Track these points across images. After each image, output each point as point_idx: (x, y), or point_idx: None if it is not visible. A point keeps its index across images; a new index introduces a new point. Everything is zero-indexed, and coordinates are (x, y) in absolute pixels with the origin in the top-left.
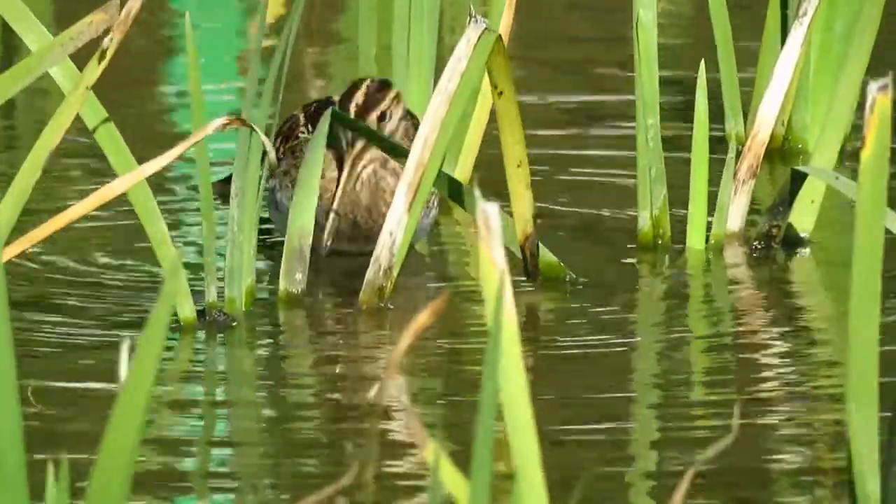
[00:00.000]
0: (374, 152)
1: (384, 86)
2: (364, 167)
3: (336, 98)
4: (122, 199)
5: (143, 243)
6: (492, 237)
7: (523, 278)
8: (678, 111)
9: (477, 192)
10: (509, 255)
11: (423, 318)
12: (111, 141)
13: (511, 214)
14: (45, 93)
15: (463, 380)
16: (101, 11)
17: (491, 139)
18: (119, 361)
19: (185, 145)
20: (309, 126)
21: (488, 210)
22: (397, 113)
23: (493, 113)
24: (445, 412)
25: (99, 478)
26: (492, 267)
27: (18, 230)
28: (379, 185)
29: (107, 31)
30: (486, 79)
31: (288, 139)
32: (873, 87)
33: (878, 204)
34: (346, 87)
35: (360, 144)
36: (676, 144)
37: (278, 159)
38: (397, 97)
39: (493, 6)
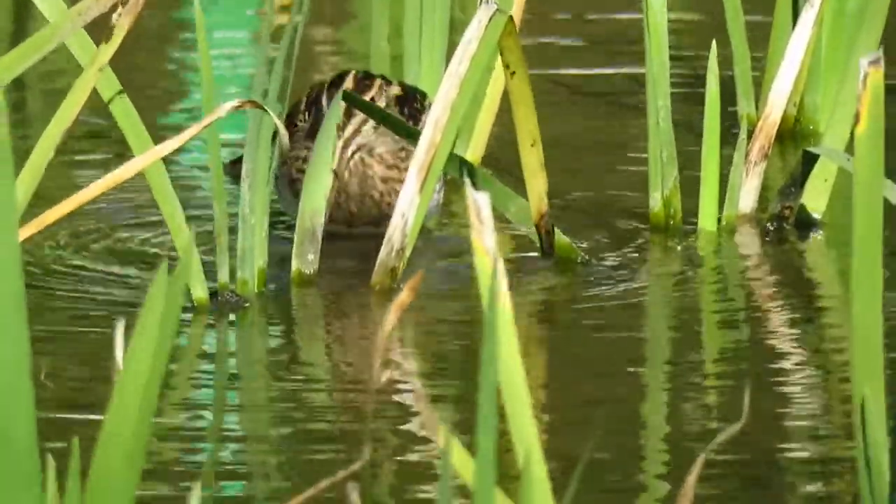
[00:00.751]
0: (362, 139)
1: (368, 76)
2: (352, 154)
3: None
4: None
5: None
6: (483, 227)
7: (533, 257)
8: (689, 92)
9: (467, 182)
10: (520, 234)
11: (402, 296)
12: (128, 119)
13: (524, 195)
14: (61, 72)
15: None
16: None
17: (505, 119)
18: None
19: (197, 127)
20: (307, 113)
21: (479, 199)
22: (381, 101)
23: (505, 93)
24: (455, 394)
25: (101, 466)
26: (485, 256)
27: (33, 210)
28: (366, 174)
29: (115, 7)
30: (500, 61)
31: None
32: (864, 61)
33: (875, 178)
34: (330, 78)
35: (349, 130)
36: (687, 125)
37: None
38: (381, 87)
39: None
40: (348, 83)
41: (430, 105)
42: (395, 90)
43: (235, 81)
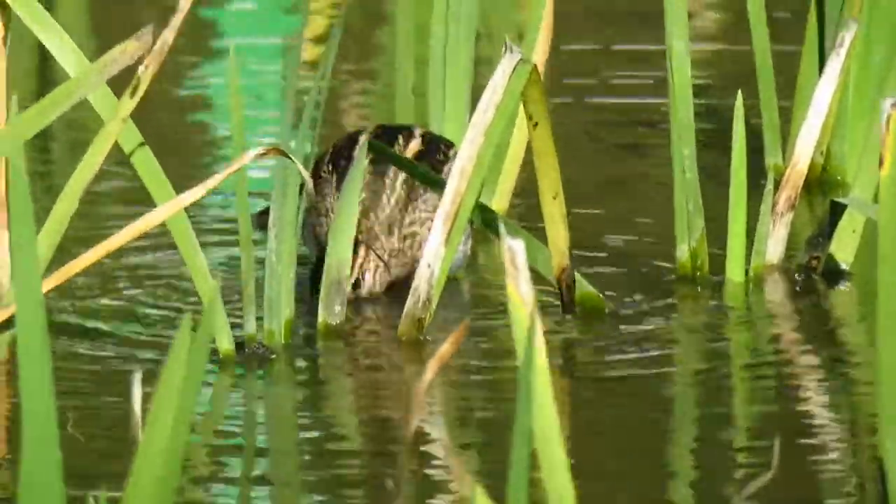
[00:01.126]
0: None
1: (391, 130)
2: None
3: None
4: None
5: (173, 271)
6: (519, 274)
7: (559, 306)
8: (715, 141)
9: (503, 228)
10: (546, 284)
11: (445, 349)
12: (149, 170)
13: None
14: (83, 125)
15: (501, 411)
16: (134, 39)
17: (530, 167)
18: (133, 393)
19: (223, 175)
20: (331, 165)
21: (514, 246)
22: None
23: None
24: (483, 443)
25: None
26: (520, 304)
27: (57, 260)
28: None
29: (141, 59)
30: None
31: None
32: (887, 102)
33: None
34: (353, 132)
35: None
36: (714, 174)
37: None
38: (400, 145)
39: (527, 35)
40: (367, 138)
41: (454, 155)
42: (415, 145)
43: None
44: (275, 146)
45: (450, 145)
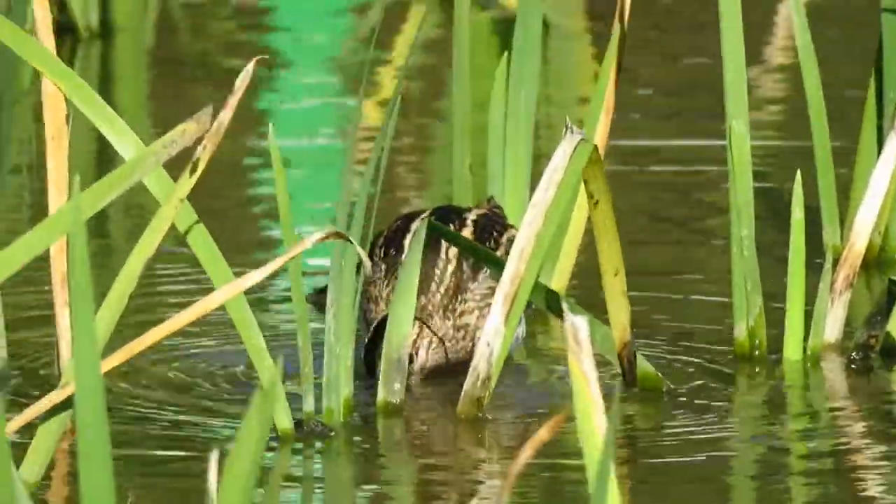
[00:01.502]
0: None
1: (444, 213)
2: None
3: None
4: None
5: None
6: (581, 350)
7: (618, 385)
8: (773, 218)
9: (565, 305)
10: (605, 363)
11: (542, 433)
12: (207, 252)
13: (608, 323)
14: (140, 206)
15: (557, 496)
16: (193, 121)
17: (589, 248)
18: (209, 474)
19: (282, 259)
20: (384, 248)
21: (577, 323)
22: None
23: (588, 221)
24: None
25: None
26: (583, 381)
27: (115, 341)
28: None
29: (199, 140)
30: (582, 188)
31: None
32: None
33: None
34: (398, 221)
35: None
36: (772, 252)
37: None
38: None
39: (588, 115)
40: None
41: (508, 240)
42: (466, 234)
43: (315, 197)
44: (335, 231)
45: (503, 230)
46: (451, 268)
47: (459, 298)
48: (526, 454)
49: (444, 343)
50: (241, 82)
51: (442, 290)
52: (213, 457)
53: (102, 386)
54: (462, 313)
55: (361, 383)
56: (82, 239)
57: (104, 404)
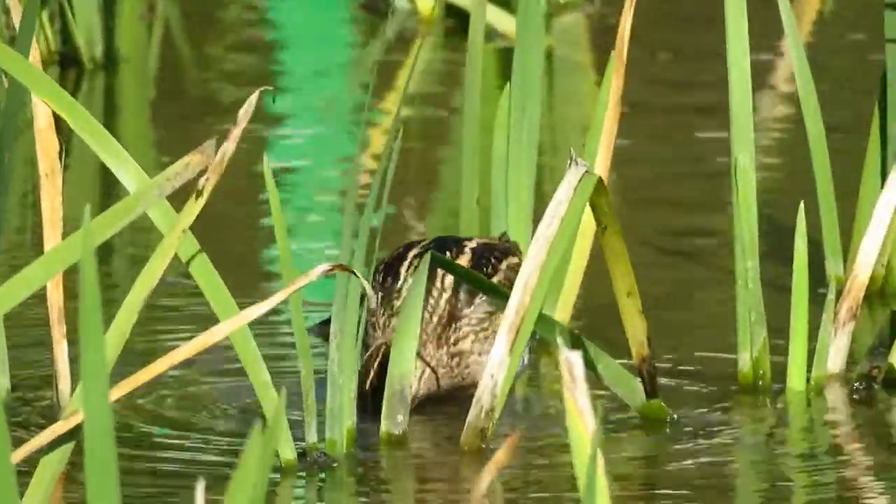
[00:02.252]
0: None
1: (443, 243)
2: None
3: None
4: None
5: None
6: (576, 385)
7: (621, 416)
8: (777, 250)
9: (560, 340)
10: (608, 394)
11: (500, 455)
12: (210, 283)
13: (611, 354)
14: (145, 230)
15: None
16: (197, 153)
17: (593, 276)
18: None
19: (287, 292)
20: (380, 277)
21: (571, 358)
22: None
23: (592, 254)
24: None
25: None
26: (578, 416)
27: (117, 372)
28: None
29: (203, 172)
30: (586, 219)
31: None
32: None
33: None
34: (397, 251)
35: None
36: (775, 283)
37: None
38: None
39: (588, 145)
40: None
41: (508, 266)
42: (464, 261)
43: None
44: (340, 264)
45: (504, 256)
46: (445, 296)
47: (454, 326)
48: (486, 479)
49: (436, 372)
50: (245, 113)
51: (436, 319)
52: (200, 487)
53: (111, 416)
54: (456, 341)
55: (365, 415)
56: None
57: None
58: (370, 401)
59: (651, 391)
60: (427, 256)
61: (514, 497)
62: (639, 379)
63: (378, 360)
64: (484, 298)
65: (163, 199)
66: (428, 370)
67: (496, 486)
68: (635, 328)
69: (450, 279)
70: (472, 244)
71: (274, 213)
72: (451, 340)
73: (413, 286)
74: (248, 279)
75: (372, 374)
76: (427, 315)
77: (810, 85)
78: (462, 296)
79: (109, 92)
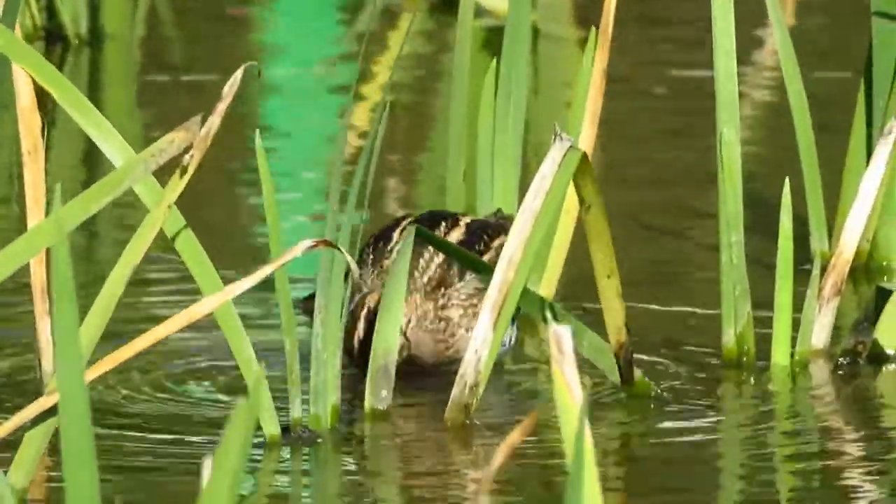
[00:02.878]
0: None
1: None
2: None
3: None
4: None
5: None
6: (564, 358)
7: (607, 391)
8: (761, 226)
9: (549, 314)
10: (593, 370)
11: (514, 436)
12: (196, 259)
13: (595, 330)
14: (131, 206)
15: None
16: (182, 129)
17: (577, 252)
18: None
19: (271, 267)
20: (371, 247)
21: (559, 332)
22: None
23: (576, 229)
24: None
25: None
26: (566, 389)
27: (102, 348)
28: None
29: (188, 148)
30: (570, 195)
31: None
32: None
33: None
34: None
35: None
36: (760, 259)
37: None
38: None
39: (571, 122)
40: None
41: (500, 245)
42: (458, 234)
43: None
44: (324, 240)
45: (497, 234)
46: (437, 259)
47: (443, 291)
48: (499, 459)
49: (426, 321)
50: (230, 89)
51: (426, 278)
52: (207, 463)
53: (86, 393)
54: (444, 307)
55: (349, 390)
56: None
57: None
58: (357, 355)
59: (627, 378)
60: (412, 229)
61: (503, 474)
62: (614, 366)
63: (363, 311)
64: (474, 276)
65: (148, 175)
66: (415, 318)
67: (482, 462)
68: (614, 313)
69: (438, 258)
70: (467, 219)
71: (265, 189)
72: (439, 304)
73: (396, 263)
74: (232, 255)
75: (360, 325)
76: (417, 274)
77: (793, 60)
78: (455, 268)
79: (94, 68)
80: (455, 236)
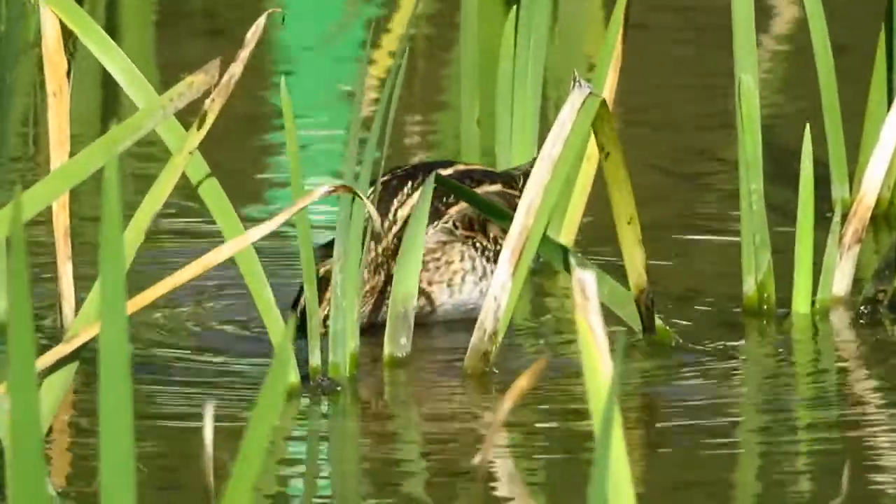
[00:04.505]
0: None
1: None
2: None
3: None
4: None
5: (233, 298)
6: (589, 304)
7: (627, 339)
8: (784, 174)
9: (573, 260)
10: (613, 316)
11: (522, 381)
12: (218, 203)
13: (615, 278)
14: (152, 156)
15: (565, 445)
16: (201, 72)
17: (597, 200)
18: (204, 426)
19: (290, 212)
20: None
21: (584, 277)
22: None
23: (596, 177)
24: (549, 476)
25: None
26: (590, 335)
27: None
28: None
29: (207, 93)
30: (590, 142)
31: None
32: None
33: None
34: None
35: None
36: (780, 207)
37: None
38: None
39: (597, 69)
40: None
41: (494, 179)
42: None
43: (326, 161)
44: (343, 184)
45: (479, 182)
46: (395, 229)
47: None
48: (507, 404)
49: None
50: (253, 35)
51: (380, 249)
52: (209, 410)
53: (127, 329)
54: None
55: (369, 337)
56: (115, 172)
57: (128, 341)
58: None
59: (648, 325)
60: (431, 178)
61: (523, 419)
62: (632, 315)
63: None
64: (437, 228)
65: (170, 118)
66: (371, 299)
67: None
68: (634, 258)
69: (402, 212)
70: (449, 171)
71: (288, 133)
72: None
73: (417, 208)
74: (250, 200)
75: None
76: (373, 244)
77: (818, 7)
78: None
79: (111, 12)
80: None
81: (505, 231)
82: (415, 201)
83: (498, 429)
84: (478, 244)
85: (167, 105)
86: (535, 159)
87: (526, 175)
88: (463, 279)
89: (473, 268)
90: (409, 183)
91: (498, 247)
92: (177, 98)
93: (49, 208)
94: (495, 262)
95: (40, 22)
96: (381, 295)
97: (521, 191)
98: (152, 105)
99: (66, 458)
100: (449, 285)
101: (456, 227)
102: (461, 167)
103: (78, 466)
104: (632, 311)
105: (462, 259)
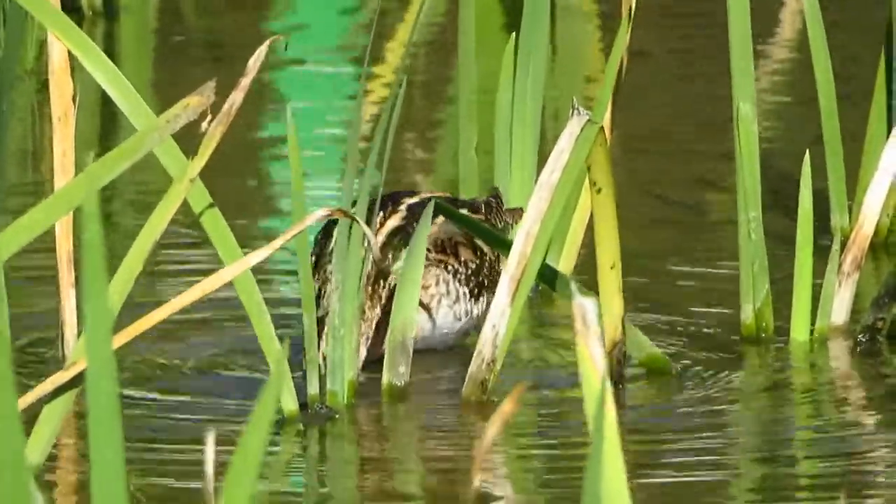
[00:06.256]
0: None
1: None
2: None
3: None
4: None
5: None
6: (589, 331)
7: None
8: (782, 201)
9: (574, 286)
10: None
11: (506, 406)
12: (217, 229)
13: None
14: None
15: (564, 472)
16: (196, 94)
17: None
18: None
19: (289, 235)
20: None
21: (585, 304)
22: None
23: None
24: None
25: None
26: (590, 362)
27: (123, 319)
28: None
29: (203, 115)
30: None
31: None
32: None
33: None
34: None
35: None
36: (779, 234)
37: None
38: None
39: (596, 99)
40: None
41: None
42: (399, 217)
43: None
44: (340, 208)
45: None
46: (370, 256)
47: (382, 283)
48: (493, 429)
49: (378, 332)
50: (255, 63)
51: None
52: (210, 437)
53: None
54: (389, 297)
55: (368, 366)
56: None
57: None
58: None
59: (616, 378)
60: (430, 206)
61: (523, 445)
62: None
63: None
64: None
65: (168, 140)
66: (371, 334)
67: (502, 436)
68: (612, 307)
69: (377, 239)
70: (413, 199)
71: (291, 159)
72: (383, 299)
73: (416, 236)
74: (247, 226)
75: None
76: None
77: (820, 33)
78: (389, 253)
79: (109, 41)
80: (395, 220)
81: (477, 254)
82: (388, 230)
83: (485, 454)
84: (450, 267)
85: (163, 127)
86: (492, 188)
87: (487, 204)
88: (439, 302)
89: (448, 291)
90: (381, 213)
91: (469, 270)
92: (173, 120)
93: (52, 234)
94: (467, 285)
95: (43, 47)
96: (377, 331)
97: (486, 217)
98: (149, 127)
99: (68, 483)
100: (427, 310)
101: (429, 251)
102: (426, 195)
103: (81, 493)
104: (631, 337)
105: (437, 283)
